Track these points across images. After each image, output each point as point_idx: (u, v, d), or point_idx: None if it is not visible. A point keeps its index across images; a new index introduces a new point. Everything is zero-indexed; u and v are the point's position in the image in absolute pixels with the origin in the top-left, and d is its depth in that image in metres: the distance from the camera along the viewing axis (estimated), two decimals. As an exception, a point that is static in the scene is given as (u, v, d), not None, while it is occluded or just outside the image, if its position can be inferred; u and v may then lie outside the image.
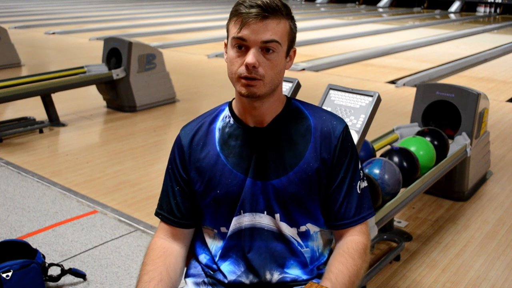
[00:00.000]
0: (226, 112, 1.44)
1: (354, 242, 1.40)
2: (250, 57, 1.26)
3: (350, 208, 1.41)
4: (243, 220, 1.39)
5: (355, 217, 1.41)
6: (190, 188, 1.44)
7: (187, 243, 1.50)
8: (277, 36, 1.28)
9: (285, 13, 1.30)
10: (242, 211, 1.39)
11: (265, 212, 1.38)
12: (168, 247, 1.46)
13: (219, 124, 1.43)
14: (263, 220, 1.38)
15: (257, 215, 1.38)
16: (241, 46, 1.28)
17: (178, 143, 1.46)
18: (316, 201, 1.40)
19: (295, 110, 1.42)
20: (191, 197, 1.45)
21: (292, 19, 1.33)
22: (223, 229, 1.42)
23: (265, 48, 1.27)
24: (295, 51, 1.38)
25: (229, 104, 1.45)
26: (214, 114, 1.45)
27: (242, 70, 1.28)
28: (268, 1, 1.26)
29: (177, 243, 1.47)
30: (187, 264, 1.53)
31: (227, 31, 1.33)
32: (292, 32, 1.33)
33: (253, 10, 1.25)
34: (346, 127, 1.41)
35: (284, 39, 1.30)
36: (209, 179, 1.40)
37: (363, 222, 1.44)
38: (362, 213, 1.42)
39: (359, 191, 1.42)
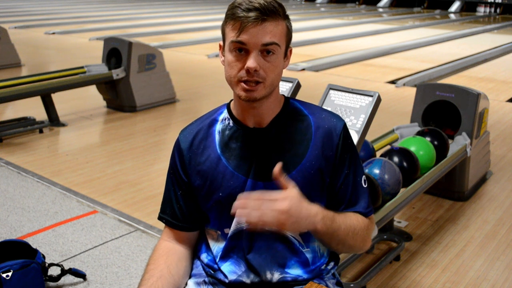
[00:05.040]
0: (225, 114, 1.43)
1: (361, 216, 1.43)
2: (251, 61, 1.26)
3: (359, 203, 1.43)
4: (244, 221, 1.39)
5: (364, 210, 1.43)
6: (192, 191, 1.44)
7: (192, 245, 1.51)
8: (276, 38, 1.28)
9: (282, 14, 1.30)
10: (243, 212, 1.38)
11: (266, 213, 1.38)
12: (172, 247, 1.46)
13: (218, 126, 1.42)
14: (264, 220, 1.38)
15: (257, 216, 1.38)
16: (241, 49, 1.27)
17: (177, 147, 1.45)
18: (317, 200, 1.40)
19: (293, 110, 1.42)
20: (194, 201, 1.45)
21: (287, 19, 1.33)
22: (226, 231, 1.42)
23: (265, 51, 1.27)
24: (291, 50, 1.38)
25: (228, 105, 1.45)
26: (212, 117, 1.45)
27: (243, 73, 1.28)
28: (265, 3, 1.26)
29: (182, 245, 1.48)
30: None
31: (223, 34, 1.33)
32: (289, 33, 1.34)
33: (252, 14, 1.24)
34: (345, 125, 1.42)
35: (282, 40, 1.30)
36: (211, 183, 1.40)
37: (371, 215, 1.47)
38: (370, 206, 1.46)
39: (364, 185, 1.45)
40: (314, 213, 1.26)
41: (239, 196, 1.21)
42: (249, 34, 1.25)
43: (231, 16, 1.28)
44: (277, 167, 1.22)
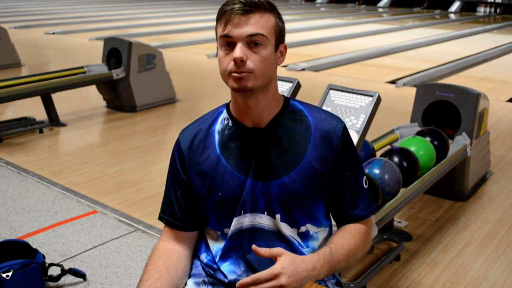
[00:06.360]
0: (224, 114, 1.44)
1: (357, 226, 1.44)
2: (237, 52, 1.27)
3: (360, 203, 1.43)
4: (244, 220, 1.39)
5: (365, 211, 1.44)
6: (192, 191, 1.44)
7: (192, 245, 1.51)
8: (262, 29, 1.28)
9: (268, 8, 1.31)
10: (242, 212, 1.39)
11: (266, 213, 1.38)
12: (171, 248, 1.46)
13: (218, 126, 1.43)
14: (263, 220, 1.38)
15: (257, 215, 1.38)
16: (230, 44, 1.29)
17: (177, 147, 1.46)
18: (316, 201, 1.40)
19: (293, 110, 1.42)
20: (194, 201, 1.45)
21: (277, 14, 1.34)
22: (226, 230, 1.42)
23: (252, 42, 1.28)
24: (285, 47, 1.38)
25: (227, 106, 1.45)
26: (212, 117, 1.45)
27: (231, 66, 1.29)
28: None
29: (181, 245, 1.48)
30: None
31: (216, 34, 1.34)
32: (278, 26, 1.33)
33: (236, 6, 1.27)
34: (345, 126, 1.42)
35: (270, 32, 1.30)
36: (210, 182, 1.40)
37: (371, 216, 1.47)
38: (371, 206, 1.46)
39: (365, 186, 1.45)
40: (311, 268, 1.25)
41: (237, 284, 1.20)
42: (233, 26, 1.27)
43: (219, 13, 1.31)
44: (253, 248, 1.23)
